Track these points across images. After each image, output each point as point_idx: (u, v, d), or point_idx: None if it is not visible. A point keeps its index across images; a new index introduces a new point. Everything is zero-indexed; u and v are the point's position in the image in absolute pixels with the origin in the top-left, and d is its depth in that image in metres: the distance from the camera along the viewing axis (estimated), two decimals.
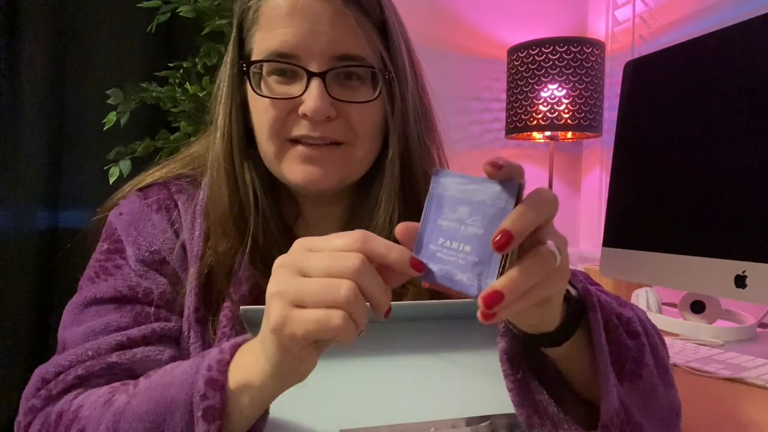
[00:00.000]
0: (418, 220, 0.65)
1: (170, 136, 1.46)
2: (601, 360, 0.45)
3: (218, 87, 0.64)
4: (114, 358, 0.53)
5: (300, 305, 0.37)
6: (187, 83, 1.43)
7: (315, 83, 0.56)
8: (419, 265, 0.38)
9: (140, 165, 1.39)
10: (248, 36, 0.61)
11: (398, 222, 0.60)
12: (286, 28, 0.56)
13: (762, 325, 1.06)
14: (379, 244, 0.38)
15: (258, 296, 0.59)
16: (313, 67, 0.57)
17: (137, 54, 1.49)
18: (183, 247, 0.61)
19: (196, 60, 1.46)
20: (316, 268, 0.37)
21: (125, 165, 1.40)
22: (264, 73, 0.59)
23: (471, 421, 0.48)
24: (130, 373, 0.54)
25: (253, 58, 0.59)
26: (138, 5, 1.42)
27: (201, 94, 1.41)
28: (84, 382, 0.53)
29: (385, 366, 0.51)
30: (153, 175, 0.67)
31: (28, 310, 1.38)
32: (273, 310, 0.37)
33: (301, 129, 0.58)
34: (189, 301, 0.58)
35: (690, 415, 0.57)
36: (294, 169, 0.59)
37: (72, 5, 1.43)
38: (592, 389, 0.48)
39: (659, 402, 0.50)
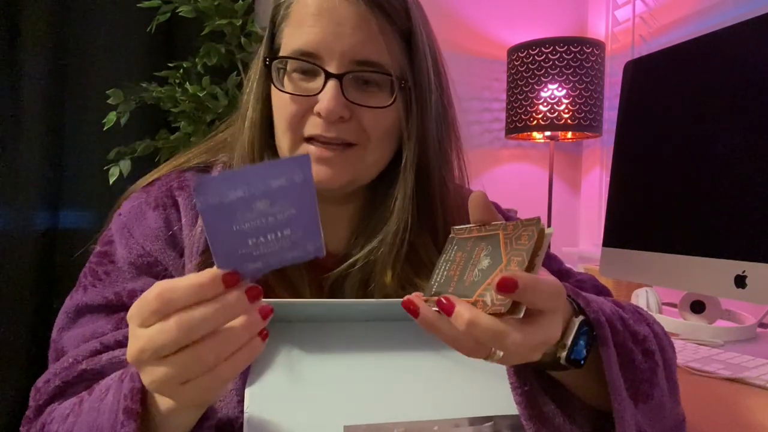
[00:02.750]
0: (432, 226, 0.65)
1: (170, 136, 1.46)
2: (616, 394, 0.45)
3: (249, 78, 0.66)
4: (84, 365, 0.55)
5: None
6: (187, 83, 1.43)
7: (331, 84, 0.58)
8: (230, 279, 0.37)
9: (140, 165, 1.40)
10: (278, 31, 0.62)
11: (411, 229, 0.62)
12: (311, 27, 0.58)
13: (762, 325, 1.06)
14: (183, 301, 0.37)
15: (264, 293, 0.59)
16: (332, 68, 0.58)
17: (137, 54, 1.49)
18: (177, 244, 0.62)
19: (196, 60, 1.46)
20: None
21: (125, 165, 1.40)
22: (287, 68, 0.60)
23: (474, 421, 0.48)
24: (101, 376, 0.55)
25: (281, 53, 0.61)
26: (138, 5, 1.42)
27: (201, 94, 1.41)
28: (62, 391, 0.56)
29: (388, 364, 0.51)
30: (169, 164, 0.68)
31: (28, 310, 1.38)
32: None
33: (315, 128, 0.59)
34: None
35: (690, 415, 0.57)
36: None
37: (72, 5, 1.43)
38: (600, 400, 0.48)
39: (666, 417, 0.51)
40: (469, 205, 0.44)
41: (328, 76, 0.58)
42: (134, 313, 0.38)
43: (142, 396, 0.45)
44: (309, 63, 0.58)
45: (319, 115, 0.58)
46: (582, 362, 0.43)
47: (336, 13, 0.57)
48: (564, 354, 0.43)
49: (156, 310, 0.37)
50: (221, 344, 0.37)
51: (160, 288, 0.37)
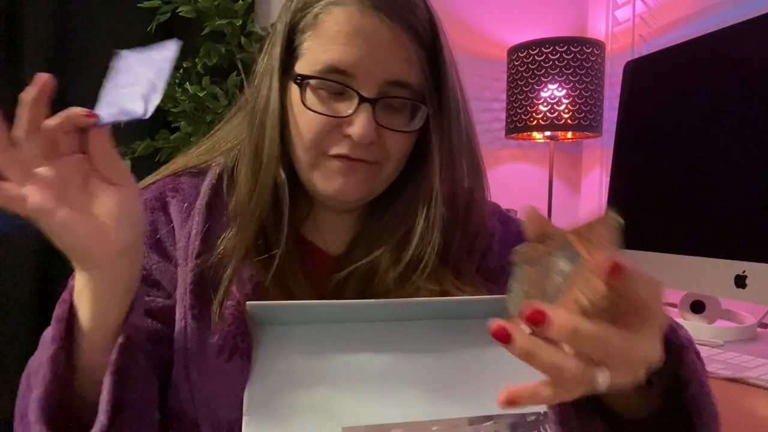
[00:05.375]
0: (449, 246, 0.64)
1: (170, 136, 1.46)
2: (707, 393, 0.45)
3: (261, 79, 0.63)
4: None
5: None
6: (187, 83, 1.43)
7: (365, 109, 0.57)
8: (90, 115, 0.46)
9: (140, 165, 1.39)
10: (300, 38, 0.60)
11: (435, 254, 0.61)
12: (345, 46, 0.57)
13: (762, 325, 1.06)
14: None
15: (262, 297, 0.59)
16: (365, 92, 0.57)
17: None
18: (163, 249, 0.61)
19: (196, 60, 1.46)
20: None
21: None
22: (312, 83, 0.59)
23: (473, 421, 0.48)
24: None
25: (304, 64, 0.59)
26: (138, 5, 1.42)
27: (201, 94, 1.41)
28: None
29: (387, 365, 0.51)
30: (168, 168, 0.68)
31: (28, 310, 1.38)
32: None
33: (341, 148, 0.59)
34: (185, 300, 0.58)
35: None
36: (327, 182, 0.60)
37: (72, 5, 1.43)
38: (635, 410, 0.48)
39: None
40: (524, 223, 0.40)
41: (362, 100, 0.57)
42: None
43: (70, 307, 0.50)
44: (342, 85, 0.58)
45: (348, 136, 0.58)
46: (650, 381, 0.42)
47: (373, 35, 0.56)
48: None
49: None
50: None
51: None
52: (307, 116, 0.59)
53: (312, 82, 0.58)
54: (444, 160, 0.63)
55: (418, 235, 0.62)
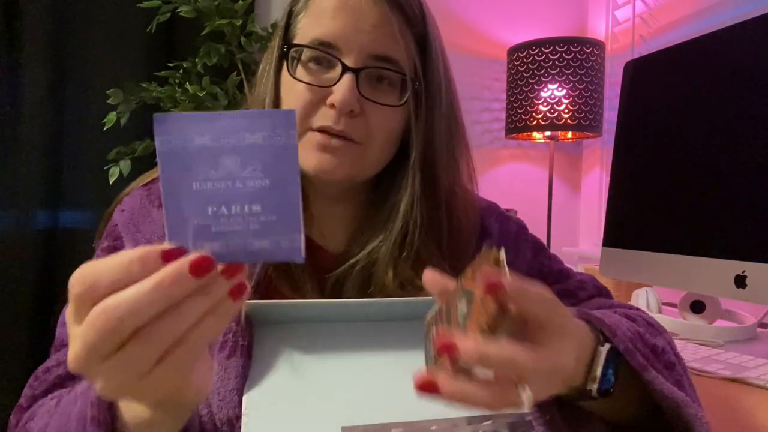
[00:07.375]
0: (438, 231, 0.64)
1: None
2: (689, 404, 0.45)
3: (263, 70, 0.66)
4: None
5: None
6: (187, 83, 1.43)
7: (348, 76, 0.58)
8: (173, 254, 0.30)
9: (140, 165, 1.39)
10: (295, 21, 0.63)
11: (419, 231, 0.62)
12: (331, 20, 0.58)
13: (762, 325, 1.06)
14: (109, 284, 0.30)
15: (264, 294, 0.59)
16: (349, 62, 0.58)
17: (137, 54, 1.49)
18: None
19: (196, 60, 1.46)
20: None
21: (125, 165, 1.40)
22: (302, 58, 0.60)
23: (472, 420, 0.48)
24: None
25: (297, 42, 0.61)
26: (138, 5, 1.42)
27: (201, 94, 1.41)
28: (64, 381, 0.56)
29: (386, 364, 0.51)
30: None
31: (28, 310, 1.38)
32: None
33: (325, 120, 0.59)
34: None
35: None
36: (309, 156, 0.60)
37: (72, 5, 1.43)
38: (622, 416, 0.48)
39: None
40: (427, 288, 0.42)
41: (345, 69, 0.58)
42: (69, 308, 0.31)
43: (109, 404, 0.41)
44: (327, 54, 0.59)
45: (332, 106, 0.59)
46: (611, 390, 0.43)
47: (358, 10, 0.58)
48: (595, 387, 0.43)
49: (78, 297, 0.30)
50: (169, 326, 0.30)
51: (82, 270, 0.30)
52: (295, 89, 0.60)
53: (302, 57, 0.60)
54: (420, 134, 0.63)
55: (401, 211, 0.63)
